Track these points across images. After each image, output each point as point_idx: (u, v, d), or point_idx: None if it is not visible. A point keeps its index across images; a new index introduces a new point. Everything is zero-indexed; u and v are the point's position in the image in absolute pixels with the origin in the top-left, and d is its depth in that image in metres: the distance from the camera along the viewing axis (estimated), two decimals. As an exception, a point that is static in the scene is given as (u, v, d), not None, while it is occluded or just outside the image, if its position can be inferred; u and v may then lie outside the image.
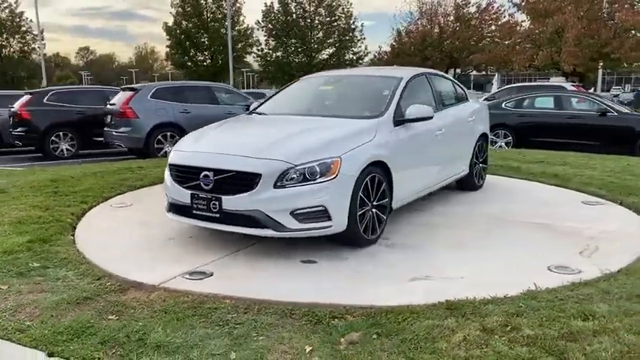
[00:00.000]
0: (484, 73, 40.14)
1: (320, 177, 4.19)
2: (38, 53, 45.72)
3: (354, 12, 43.21)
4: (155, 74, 79.48)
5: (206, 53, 43.40)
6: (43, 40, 52.37)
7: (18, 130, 12.83)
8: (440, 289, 3.65)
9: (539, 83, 22.09)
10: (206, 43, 42.75)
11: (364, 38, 41.16)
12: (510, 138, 12.81)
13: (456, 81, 6.91)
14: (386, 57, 32.14)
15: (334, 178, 4.21)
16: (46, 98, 13.04)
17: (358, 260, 4.34)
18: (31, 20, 50.76)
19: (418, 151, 5.33)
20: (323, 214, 4.21)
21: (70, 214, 5.62)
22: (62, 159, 12.62)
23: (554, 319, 3.07)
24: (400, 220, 5.43)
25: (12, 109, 13.04)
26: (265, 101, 6.11)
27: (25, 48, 53.08)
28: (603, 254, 4.41)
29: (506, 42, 24.47)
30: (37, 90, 14.73)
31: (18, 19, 52.45)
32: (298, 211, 4.15)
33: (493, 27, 27.08)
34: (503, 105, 13.28)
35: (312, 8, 40.74)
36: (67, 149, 12.99)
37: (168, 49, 45.55)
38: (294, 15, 40.30)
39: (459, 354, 2.75)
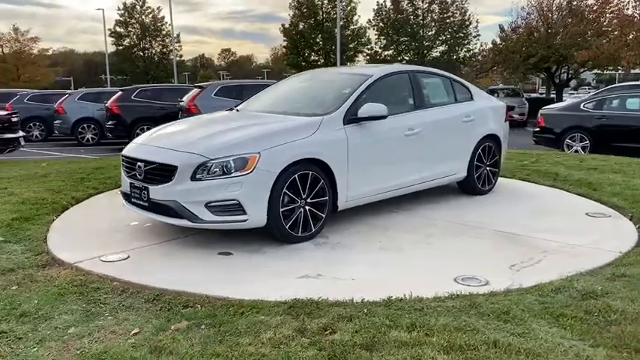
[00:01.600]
0: (596, 71, 36.24)
1: (235, 171, 4.29)
2: (175, 55, 50.01)
3: (469, 8, 41.58)
4: (287, 74, 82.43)
5: (320, 53, 44.43)
6: (178, 42, 57.44)
7: (109, 123, 14.34)
8: (315, 287, 3.60)
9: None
10: (320, 43, 43.77)
11: (479, 35, 39.57)
12: (587, 142, 11.67)
13: (458, 79, 6.51)
14: (491, 54, 30.44)
15: (249, 173, 4.29)
16: (133, 95, 14.43)
17: (274, 255, 4.38)
18: (169, 24, 55.72)
19: (377, 151, 5.18)
20: (237, 208, 4.31)
21: (72, 197, 6.28)
22: (145, 151, 13.85)
23: (377, 327, 2.91)
24: (357, 219, 5.33)
25: (105, 104, 14.60)
26: (250, 97, 6.28)
27: (165, 50, 58.33)
28: (537, 269, 4.01)
29: (623, 39, 21.87)
30: (127, 87, 16.26)
31: (159, 24, 57.86)
32: (212, 204, 4.30)
33: (615, 21, 24.26)
34: (581, 106, 12.13)
35: (424, 5, 39.96)
36: (149, 142, 14.21)
37: (284, 50, 47.33)
38: (404, 13, 39.79)
39: (249, 350, 2.74)
